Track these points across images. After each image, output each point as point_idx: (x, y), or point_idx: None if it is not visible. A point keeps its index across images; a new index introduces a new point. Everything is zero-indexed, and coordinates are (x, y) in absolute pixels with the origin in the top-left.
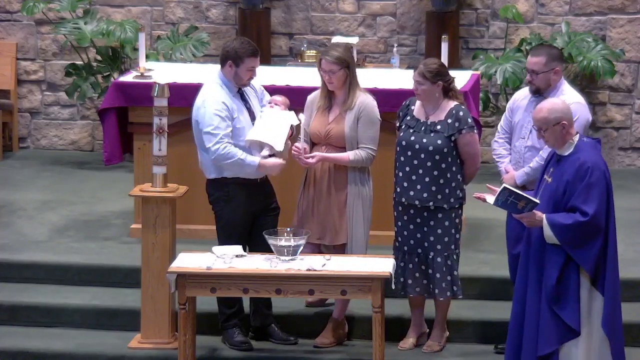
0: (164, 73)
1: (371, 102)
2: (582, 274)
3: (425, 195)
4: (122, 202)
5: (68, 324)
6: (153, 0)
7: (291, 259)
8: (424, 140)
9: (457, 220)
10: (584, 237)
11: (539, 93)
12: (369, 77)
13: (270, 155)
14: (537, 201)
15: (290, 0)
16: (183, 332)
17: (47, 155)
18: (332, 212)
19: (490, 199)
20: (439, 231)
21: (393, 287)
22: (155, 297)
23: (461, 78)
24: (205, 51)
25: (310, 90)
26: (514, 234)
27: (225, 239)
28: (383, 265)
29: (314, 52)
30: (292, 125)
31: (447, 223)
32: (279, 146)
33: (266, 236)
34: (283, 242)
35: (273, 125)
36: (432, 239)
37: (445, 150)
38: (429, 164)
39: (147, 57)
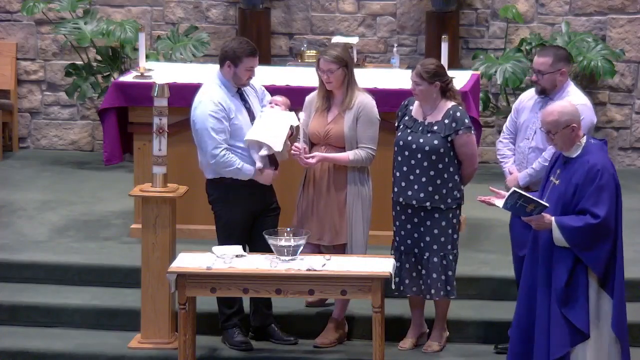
0: (164, 73)
1: (370, 101)
2: (590, 276)
3: (422, 195)
4: (122, 202)
5: (68, 324)
6: (153, 0)
7: (291, 259)
8: (421, 141)
9: (454, 221)
10: (594, 239)
11: (544, 94)
12: (369, 77)
13: (269, 156)
14: (547, 204)
15: (290, 0)
16: (183, 332)
17: (47, 155)
18: (331, 212)
19: (499, 202)
20: (436, 231)
21: (393, 287)
22: (155, 297)
23: (461, 78)
24: (205, 51)
25: (310, 90)
26: (520, 236)
27: (224, 239)
28: (383, 265)
29: (314, 52)
30: (291, 126)
31: (444, 223)
32: (278, 146)
33: (266, 236)
34: (283, 242)
35: (272, 125)
36: (428, 239)
37: (442, 150)
38: (425, 164)
39: (147, 57)
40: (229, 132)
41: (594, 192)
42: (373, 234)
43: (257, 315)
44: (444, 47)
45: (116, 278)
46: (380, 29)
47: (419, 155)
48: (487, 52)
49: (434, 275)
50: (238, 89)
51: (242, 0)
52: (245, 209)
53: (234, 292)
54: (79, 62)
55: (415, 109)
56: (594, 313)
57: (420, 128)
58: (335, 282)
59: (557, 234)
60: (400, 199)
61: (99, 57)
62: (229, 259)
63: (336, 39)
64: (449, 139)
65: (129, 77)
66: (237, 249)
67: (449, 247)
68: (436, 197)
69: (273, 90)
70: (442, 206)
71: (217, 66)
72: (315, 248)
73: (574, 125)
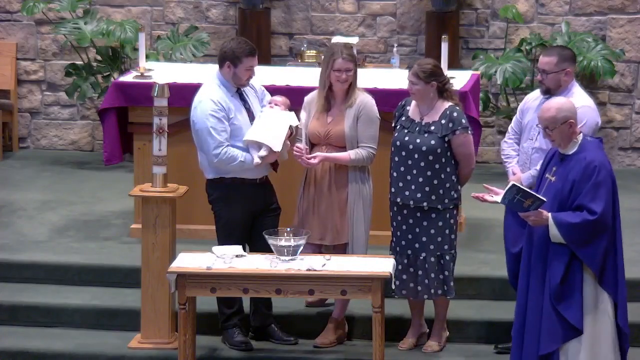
0: (164, 73)
1: (370, 100)
2: (586, 273)
3: (419, 195)
4: (122, 202)
5: (68, 324)
6: (153, 0)
7: (291, 259)
8: (418, 141)
9: (451, 221)
10: (590, 235)
11: (549, 93)
12: (369, 77)
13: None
14: (544, 199)
15: (290, 0)
16: (183, 332)
17: (47, 155)
18: (333, 211)
19: (497, 198)
20: (432, 231)
21: (393, 287)
22: (155, 297)
23: (461, 78)
24: (205, 51)
25: (310, 90)
26: (513, 233)
27: (224, 239)
28: (383, 265)
29: (314, 52)
30: (291, 126)
31: (440, 223)
32: (277, 147)
33: (266, 236)
34: (283, 242)
35: (272, 125)
36: (424, 239)
37: (439, 150)
38: (422, 164)
39: (147, 57)
40: (229, 132)
41: (591, 189)
42: (373, 234)
43: (257, 315)
44: (444, 47)
45: (116, 278)
46: (380, 29)
47: (416, 156)
48: (487, 52)
49: (432, 275)
50: (238, 89)
51: (242, 0)
52: (245, 209)
53: (234, 292)
54: (79, 62)
55: (412, 109)
56: (591, 309)
57: (417, 128)
58: (335, 282)
59: (553, 230)
60: (397, 199)
61: (99, 57)
62: (229, 259)
63: (336, 39)
64: (446, 139)
65: (129, 77)
66: (237, 249)
67: (446, 247)
68: (433, 197)
69: (273, 90)
70: (439, 206)
71: (217, 66)
72: (317, 248)
73: (571, 121)
